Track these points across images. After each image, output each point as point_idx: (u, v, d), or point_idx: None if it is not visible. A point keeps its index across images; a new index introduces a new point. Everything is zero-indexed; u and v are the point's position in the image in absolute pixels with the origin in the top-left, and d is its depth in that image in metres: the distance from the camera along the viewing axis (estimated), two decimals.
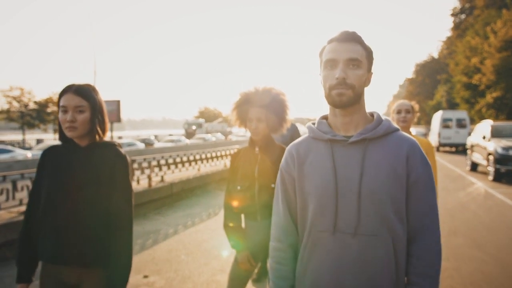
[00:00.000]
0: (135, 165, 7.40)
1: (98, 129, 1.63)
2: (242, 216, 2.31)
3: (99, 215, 1.57)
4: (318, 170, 1.23)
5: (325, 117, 1.33)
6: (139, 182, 7.57)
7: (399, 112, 2.88)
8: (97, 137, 1.64)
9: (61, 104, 1.57)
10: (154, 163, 7.81)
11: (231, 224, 2.27)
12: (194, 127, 45.05)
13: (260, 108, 2.14)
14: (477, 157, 11.94)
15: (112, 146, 1.65)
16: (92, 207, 1.56)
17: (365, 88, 1.25)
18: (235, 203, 2.25)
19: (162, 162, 8.10)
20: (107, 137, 1.71)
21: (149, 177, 7.58)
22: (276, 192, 1.35)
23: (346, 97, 1.18)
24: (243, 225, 2.31)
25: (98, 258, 1.56)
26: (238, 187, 2.22)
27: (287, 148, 1.35)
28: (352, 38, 1.20)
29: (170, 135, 42.65)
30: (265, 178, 2.16)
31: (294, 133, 3.67)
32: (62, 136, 1.64)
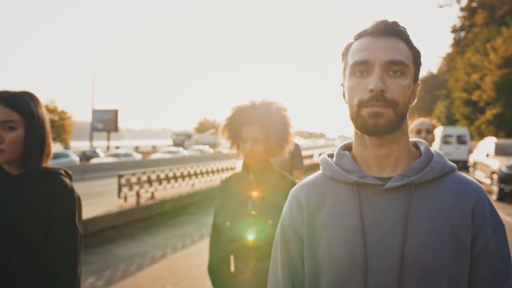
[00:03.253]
0: (123, 181, 6.94)
1: (36, 152, 1.22)
2: (232, 258, 1.88)
3: (31, 274, 1.14)
4: (338, 229, 0.81)
5: (347, 147, 0.92)
6: (127, 200, 7.09)
7: (419, 132, 2.49)
8: (34, 162, 1.22)
9: None
10: (144, 178, 7.35)
11: (217, 267, 1.85)
12: (182, 138, 44.51)
13: (257, 126, 1.73)
14: (480, 175, 11.60)
15: (54, 175, 1.23)
16: (21, 263, 1.13)
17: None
18: (223, 243, 1.82)
19: (153, 177, 7.63)
20: (50, 163, 1.29)
21: (138, 194, 7.10)
22: (275, 256, 0.93)
23: (385, 120, 0.77)
24: (232, 268, 1.88)
25: None
26: (227, 223, 1.80)
27: (292, 192, 0.94)
28: (393, 31, 0.80)
29: (169, 146, 42.21)
30: (261, 213, 1.74)
31: (295, 153, 3.25)
32: None
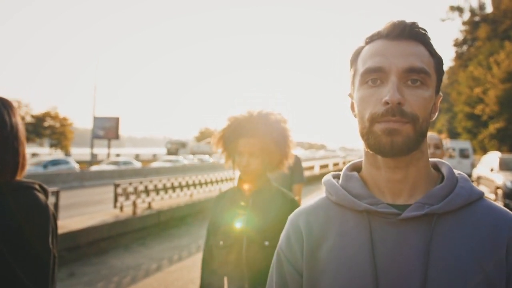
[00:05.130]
0: (119, 190, 6.80)
1: (9, 164, 1.10)
2: (225, 280, 1.74)
3: None
4: (344, 264, 0.69)
5: (356, 167, 0.80)
6: (123, 209, 6.94)
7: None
8: (6, 176, 1.10)
9: None
10: (141, 187, 7.20)
11: None
12: (176, 147, 43.67)
13: (253, 139, 1.61)
14: (484, 190, 11.35)
15: (27, 190, 1.11)
16: None
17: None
18: (215, 264, 1.69)
19: (151, 187, 7.48)
20: (24, 176, 1.17)
21: (134, 204, 6.95)
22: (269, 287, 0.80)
23: (402, 138, 0.65)
24: None
25: None
26: (221, 242, 1.67)
27: (291, 219, 0.81)
28: (412, 33, 0.69)
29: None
30: (256, 232, 1.61)
31: (295, 166, 3.11)
32: None
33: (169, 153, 42.03)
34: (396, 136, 0.64)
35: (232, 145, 1.67)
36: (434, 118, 0.72)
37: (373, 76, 0.67)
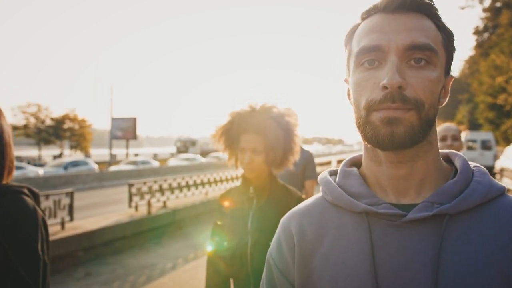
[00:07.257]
0: (134, 190, 6.85)
1: None
2: (231, 282, 1.68)
3: None
4: (341, 274, 0.60)
5: (355, 162, 0.71)
6: (138, 209, 6.99)
7: (444, 139, 2.23)
8: None
9: None
10: (155, 187, 7.23)
11: None
12: (186, 145, 43.28)
13: (256, 134, 1.54)
14: (508, 183, 11.05)
15: (14, 194, 1.06)
16: None
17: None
18: (221, 265, 1.63)
19: (165, 186, 7.52)
20: (12, 179, 1.13)
21: (149, 203, 7.00)
22: None
23: (404, 128, 0.56)
24: None
25: None
26: (225, 243, 1.60)
27: (282, 221, 0.73)
28: (414, 5, 0.59)
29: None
30: (261, 232, 1.55)
31: (307, 162, 3.00)
32: None
33: (179, 151, 41.91)
34: (397, 126, 0.55)
35: (233, 141, 1.59)
36: (444, 104, 0.63)
37: (370, 57, 0.58)
